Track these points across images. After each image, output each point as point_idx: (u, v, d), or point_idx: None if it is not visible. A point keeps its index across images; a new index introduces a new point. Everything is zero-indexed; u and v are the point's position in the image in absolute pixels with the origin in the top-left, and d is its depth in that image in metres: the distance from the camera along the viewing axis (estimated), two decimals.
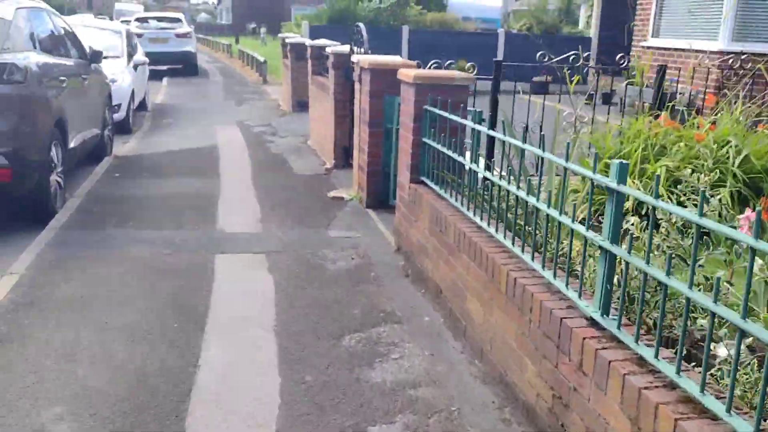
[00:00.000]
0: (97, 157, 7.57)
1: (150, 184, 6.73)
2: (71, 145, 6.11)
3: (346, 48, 7.44)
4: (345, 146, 7.58)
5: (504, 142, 3.16)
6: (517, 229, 3.06)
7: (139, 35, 15.74)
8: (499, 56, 16.86)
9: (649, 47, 12.41)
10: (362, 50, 6.79)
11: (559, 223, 2.57)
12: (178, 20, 20.62)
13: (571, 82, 5.14)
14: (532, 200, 2.78)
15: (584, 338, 2.23)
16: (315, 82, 9.37)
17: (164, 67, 18.91)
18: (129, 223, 5.34)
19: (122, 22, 15.55)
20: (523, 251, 2.90)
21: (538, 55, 5.65)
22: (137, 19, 20.28)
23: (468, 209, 3.58)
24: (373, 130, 5.85)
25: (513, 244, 3.00)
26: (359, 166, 6.25)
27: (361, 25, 6.98)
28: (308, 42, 10.23)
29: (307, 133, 9.74)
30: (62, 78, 5.93)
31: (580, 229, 2.39)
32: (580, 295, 2.41)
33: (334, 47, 7.81)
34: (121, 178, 6.93)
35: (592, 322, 2.32)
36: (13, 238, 4.99)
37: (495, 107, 5.21)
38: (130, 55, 10.98)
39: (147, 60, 11.97)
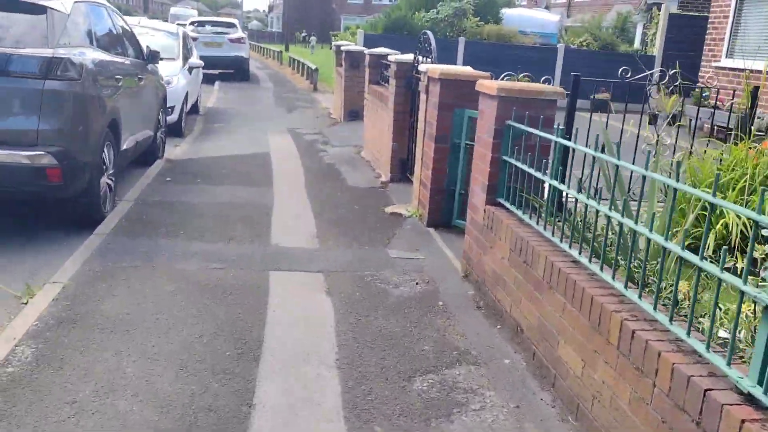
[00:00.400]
0: (148, 160, 7.36)
1: (201, 190, 6.45)
2: (124, 147, 5.86)
3: (409, 57, 7.07)
4: (402, 159, 7.21)
5: (617, 167, 2.72)
6: (618, 266, 2.63)
7: (194, 38, 15.71)
8: (558, 71, 16.34)
9: (722, 68, 11.76)
10: (429, 59, 6.41)
11: (699, 269, 2.12)
12: (232, 25, 20.64)
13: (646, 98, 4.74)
14: (659, 239, 2.34)
15: (743, 420, 1.77)
16: (372, 92, 9.03)
17: (216, 71, 18.92)
18: (179, 232, 5.04)
19: (177, 25, 15.53)
20: (640, 297, 2.46)
21: (620, 70, 5.30)
22: (192, 23, 20.35)
23: (561, 241, 3.14)
24: (439, 145, 5.45)
25: (626, 287, 2.55)
26: (421, 181, 5.85)
27: (430, 33, 6.60)
28: (366, 50, 9.90)
29: (360, 144, 9.40)
30: (118, 77, 5.69)
31: (734, 281, 1.94)
32: (729, 362, 1.96)
33: (396, 56, 7.44)
34: (172, 182, 6.68)
35: (748, 398, 1.87)
36: (59, 243, 4.74)
37: (571, 124, 4.83)
38: (186, 58, 10.85)
39: (202, 63, 11.84)
